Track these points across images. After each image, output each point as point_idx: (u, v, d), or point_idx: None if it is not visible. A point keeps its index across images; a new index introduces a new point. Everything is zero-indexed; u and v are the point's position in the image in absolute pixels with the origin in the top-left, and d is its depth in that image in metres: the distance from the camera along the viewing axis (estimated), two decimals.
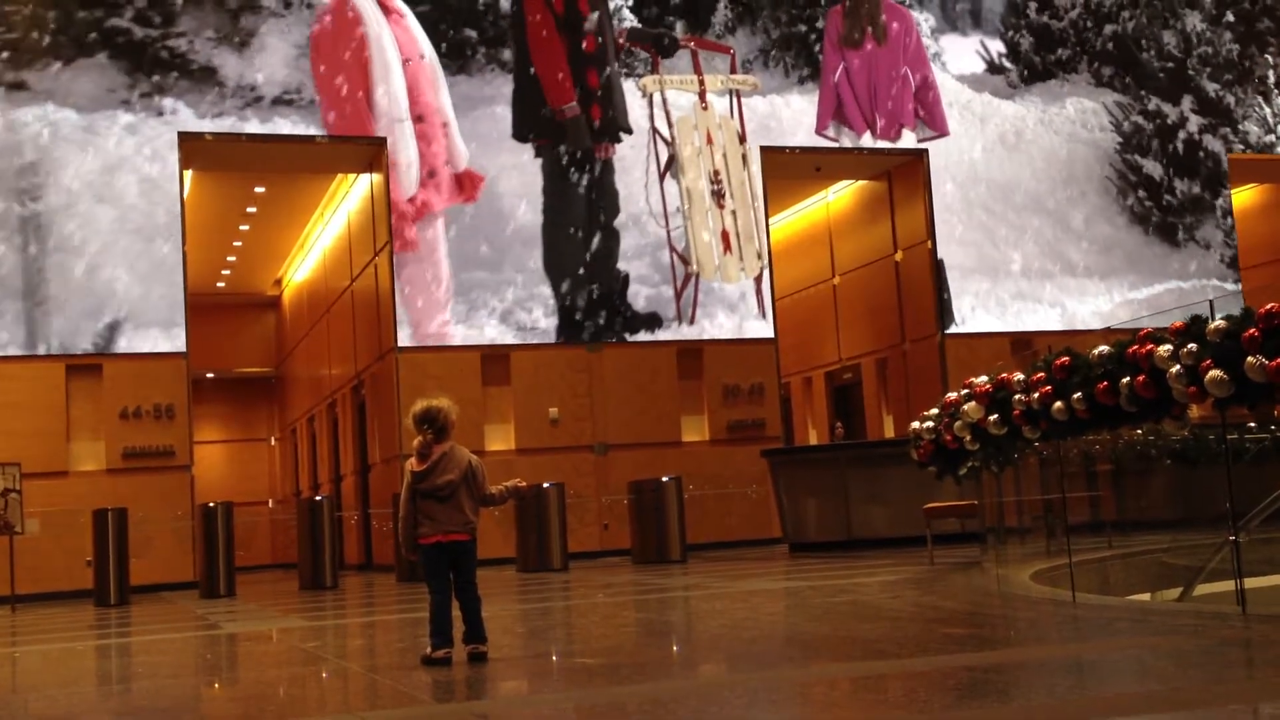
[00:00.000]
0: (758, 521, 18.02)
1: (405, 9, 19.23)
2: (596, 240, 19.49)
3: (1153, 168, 22.34)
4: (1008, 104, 22.10)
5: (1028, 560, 9.71)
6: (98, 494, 15.48)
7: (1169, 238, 22.03)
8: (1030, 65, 22.31)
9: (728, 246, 20.06)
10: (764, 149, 19.55)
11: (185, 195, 17.05)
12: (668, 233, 19.55)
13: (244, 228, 21.81)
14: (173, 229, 16.74)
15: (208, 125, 17.27)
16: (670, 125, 20.05)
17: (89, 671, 7.75)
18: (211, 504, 14.81)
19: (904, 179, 20.56)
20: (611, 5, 20.63)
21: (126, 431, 16.28)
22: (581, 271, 18.97)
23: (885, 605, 7.95)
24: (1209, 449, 10.43)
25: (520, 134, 19.44)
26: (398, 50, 19.02)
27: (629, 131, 19.91)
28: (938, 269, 20.21)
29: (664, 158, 20.11)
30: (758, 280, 19.69)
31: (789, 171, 20.40)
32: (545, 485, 15.23)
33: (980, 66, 22.19)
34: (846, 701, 4.79)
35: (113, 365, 16.22)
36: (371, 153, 17.73)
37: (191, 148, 16.86)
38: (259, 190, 20.03)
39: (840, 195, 22.52)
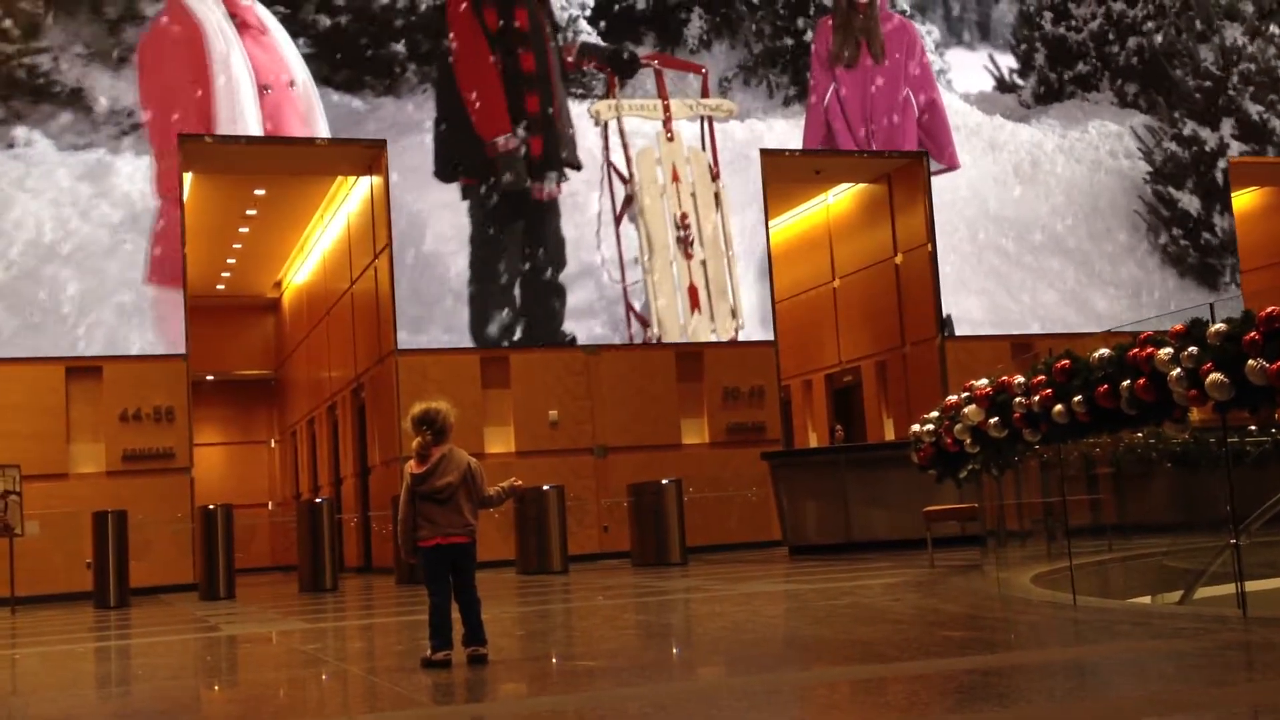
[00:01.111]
0: (757, 524, 18.01)
1: (270, 23, 16.79)
2: (535, 296, 17.15)
3: (1189, 201, 19.97)
4: (1022, 128, 19.84)
5: (1028, 563, 9.70)
6: (97, 496, 15.47)
7: (1208, 281, 20.25)
8: (1045, 82, 20.06)
9: (696, 304, 17.63)
10: (763, 152, 19.05)
11: (185, 197, 17.04)
12: (624, 288, 17.42)
13: (244, 230, 21.81)
14: None
15: (72, 159, 15.90)
16: (629, 159, 17.58)
17: (88, 674, 7.74)
18: (211, 506, 14.80)
19: (904, 182, 20.53)
20: (562, 16, 18.09)
21: (126, 434, 16.27)
22: (519, 335, 17.19)
23: (886, 608, 7.94)
24: (1210, 452, 10.43)
25: (444, 171, 17.10)
26: (252, 74, 16.38)
27: (577, 167, 17.53)
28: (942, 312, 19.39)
29: (620, 198, 17.59)
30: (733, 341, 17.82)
31: (789, 174, 20.27)
32: (545, 488, 15.22)
33: (989, 83, 20.03)
34: (847, 704, 4.78)
35: (113, 367, 16.21)
36: (371, 155, 17.73)
37: (191, 150, 16.86)
38: (259, 193, 20.03)
39: (840, 198, 22.51)
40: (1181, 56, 20.35)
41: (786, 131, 19.03)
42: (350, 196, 19.62)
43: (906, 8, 20.34)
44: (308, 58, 17.35)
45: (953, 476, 9.55)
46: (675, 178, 17.90)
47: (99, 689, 6.90)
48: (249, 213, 20.91)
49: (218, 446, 26.64)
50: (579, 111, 17.82)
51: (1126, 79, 20.31)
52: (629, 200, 17.54)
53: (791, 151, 19.51)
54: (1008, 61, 20.28)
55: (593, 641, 7.47)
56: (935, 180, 19.48)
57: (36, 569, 14.86)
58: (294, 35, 17.28)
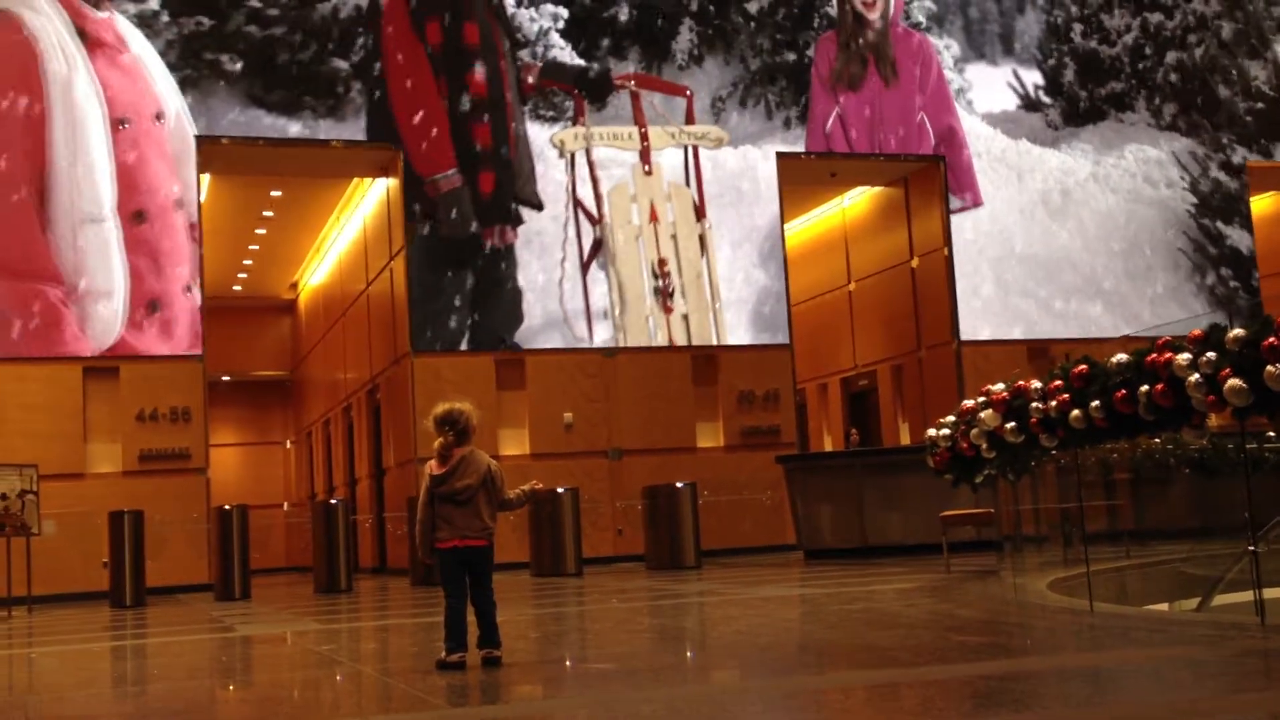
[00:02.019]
0: (772, 528, 17.98)
1: (135, 42, 14.84)
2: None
3: (1239, 237, 18.42)
4: (1050, 154, 18.11)
5: (1045, 569, 9.67)
6: (114, 496, 15.52)
7: None
8: (1075, 101, 18.40)
9: None
10: (779, 155, 18.72)
11: (202, 199, 17.10)
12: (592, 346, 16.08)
13: (260, 231, 21.88)
14: None
15: None
16: (599, 197, 15.86)
17: (105, 673, 7.76)
18: (227, 506, 14.84)
19: (920, 185, 20.45)
20: (531, 29, 16.20)
21: (143, 434, 16.33)
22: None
23: (901, 613, 7.92)
24: (1228, 458, 10.38)
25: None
26: (103, 104, 13.96)
27: (538, 206, 15.95)
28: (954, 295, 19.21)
29: (589, 241, 15.96)
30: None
31: (804, 177, 20.15)
32: (560, 490, 15.22)
33: (1012, 101, 18.49)
34: (861, 710, 4.77)
35: (129, 368, 16.27)
36: (387, 157, 17.75)
37: (208, 151, 16.91)
38: (275, 194, 20.08)
39: (856, 201, 22.46)
40: (1228, 73, 18.63)
41: (787, 161, 17.51)
42: (366, 198, 19.66)
43: (922, 20, 19.08)
44: (238, 75, 16.02)
45: (969, 481, 9.53)
46: (653, 217, 16.11)
47: (115, 688, 6.92)
48: (266, 214, 20.97)
49: (234, 447, 26.72)
50: (541, 141, 16.08)
51: (1165, 98, 18.63)
52: (598, 244, 15.83)
53: (807, 154, 19.45)
54: (1033, 78, 18.82)
55: (606, 644, 7.46)
56: (954, 218, 18.11)
57: (53, 568, 14.92)
58: (221, 49, 16.12)
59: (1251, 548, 6.82)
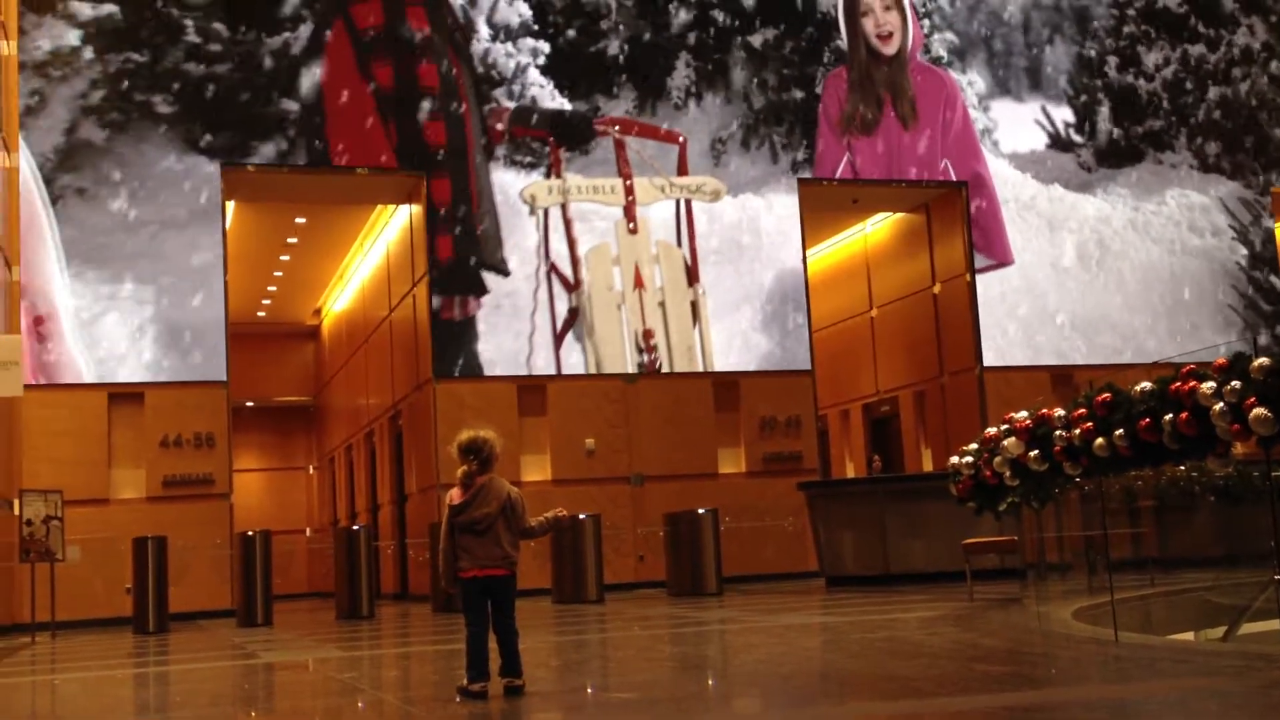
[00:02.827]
0: (794, 555, 17.91)
1: None
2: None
3: None
4: (1085, 200, 16.82)
5: (1069, 597, 9.60)
6: (138, 521, 15.59)
7: None
8: (1109, 140, 17.13)
9: None
10: (801, 181, 18.42)
11: (228, 226, 17.22)
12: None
13: (285, 258, 22.02)
14: None
15: None
16: (575, 259, 14.45)
17: (127, 700, 7.78)
18: (250, 532, 14.89)
19: (942, 211, 20.41)
20: (506, 65, 14.77)
21: (167, 460, 16.41)
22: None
23: (923, 642, 7.87)
24: (1253, 486, 10.31)
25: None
26: None
27: (504, 272, 14.69)
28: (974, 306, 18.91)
29: (563, 311, 14.65)
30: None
31: (826, 204, 20.14)
32: (581, 516, 15.20)
33: (1041, 140, 17.28)
34: None
35: (154, 394, 16.37)
36: (411, 184, 17.85)
37: (234, 179, 17.04)
38: (300, 221, 20.21)
39: (878, 227, 22.45)
40: (1276, 110, 17.21)
41: (791, 208, 16.16)
42: (390, 225, 19.76)
43: (943, 54, 17.97)
44: (170, 117, 14.94)
45: (992, 509, 9.48)
46: (639, 283, 14.54)
47: (137, 716, 6.94)
48: (290, 241, 21.10)
49: (257, 472, 26.81)
50: (514, 192, 14.58)
51: (1207, 136, 17.23)
52: (574, 313, 14.34)
53: (829, 180, 19.42)
54: (1064, 115, 17.54)
55: (627, 673, 7.44)
56: (980, 276, 16.89)
57: (77, 594, 14.99)
58: (152, 89, 15.07)
59: (1278, 576, 6.76)
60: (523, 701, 5.84)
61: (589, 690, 6.73)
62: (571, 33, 15.62)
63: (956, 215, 19.98)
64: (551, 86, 15.16)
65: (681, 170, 15.27)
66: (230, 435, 16.87)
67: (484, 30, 15.62)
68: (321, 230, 20.80)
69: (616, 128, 14.42)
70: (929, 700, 5.44)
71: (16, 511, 13.68)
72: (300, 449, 27.92)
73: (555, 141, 14.48)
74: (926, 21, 18.27)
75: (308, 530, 27.00)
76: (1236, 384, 6.16)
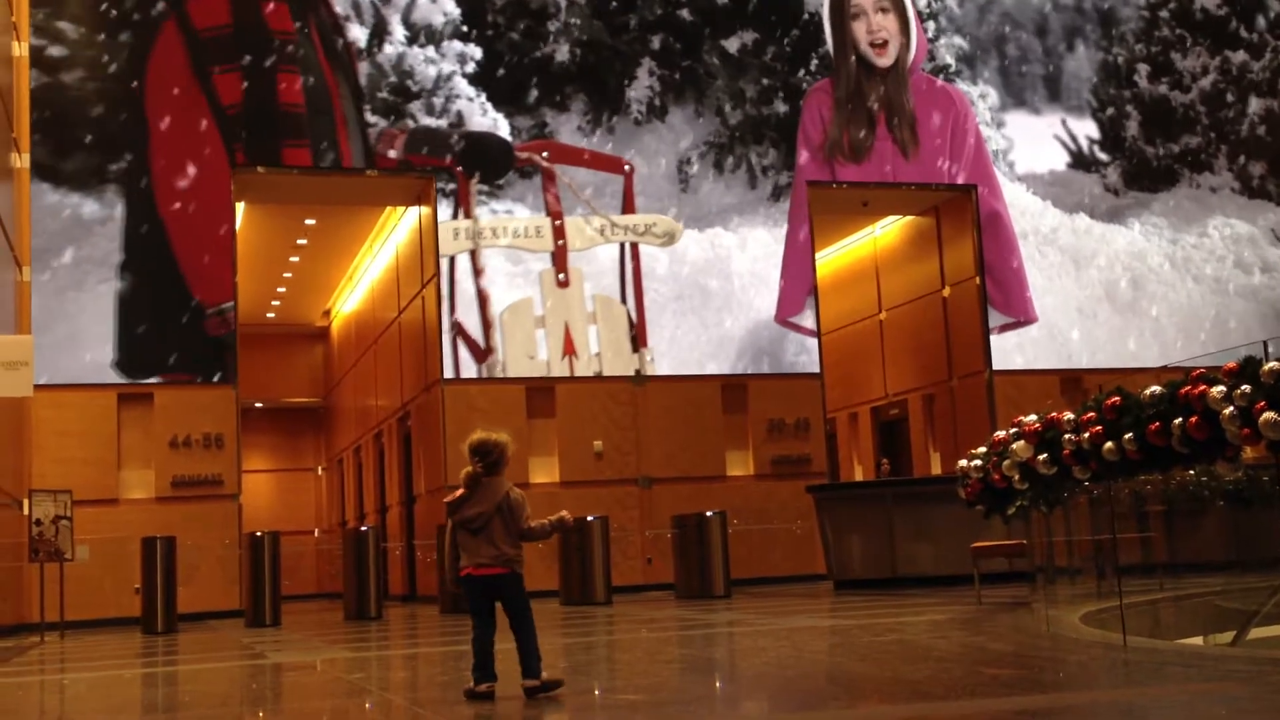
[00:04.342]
0: (802, 558, 17.90)
1: None
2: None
3: None
4: (1115, 232, 14.78)
5: (1077, 601, 9.58)
6: (147, 522, 15.63)
7: None
8: (1140, 159, 15.07)
9: None
10: (810, 184, 17.99)
11: (238, 227, 17.25)
12: None
13: (294, 259, 22.06)
14: None
15: None
16: (487, 321, 12.09)
17: (135, 700, 7.80)
18: (259, 533, 14.92)
19: (952, 214, 20.36)
20: (426, 74, 12.09)
21: (176, 460, 16.44)
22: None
23: (932, 645, 7.86)
24: (1263, 490, 10.28)
25: (131, 362, 11.23)
26: None
27: None
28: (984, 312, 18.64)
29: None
30: None
31: (835, 206, 20.09)
32: (590, 518, 15.21)
33: (1061, 159, 15.33)
34: None
35: (163, 394, 16.40)
36: (420, 185, 17.87)
37: (243, 180, 17.07)
38: (309, 222, 20.24)
39: (887, 230, 22.43)
40: None
41: (770, 246, 13.47)
42: (399, 227, 19.78)
43: (950, 62, 15.80)
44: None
45: (1000, 513, 9.47)
46: (569, 349, 12.30)
47: (145, 716, 6.95)
48: (300, 242, 21.14)
49: (266, 473, 26.86)
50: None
51: (1250, 155, 15.03)
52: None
53: (838, 184, 19.38)
54: (1086, 129, 15.59)
55: (635, 675, 7.44)
56: (994, 336, 14.47)
57: (86, 594, 15.03)
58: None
59: None
60: (529, 703, 5.83)
61: (596, 692, 6.73)
62: (514, 35, 13.47)
63: (966, 218, 19.93)
64: (483, 99, 12.85)
65: (627, 207, 12.44)
66: (239, 436, 16.90)
67: (399, 32, 13.27)
68: (331, 232, 20.83)
69: (545, 153, 11.52)
70: (937, 704, 5.43)
71: (26, 511, 13.72)
72: (309, 450, 27.97)
73: (464, 171, 11.60)
74: (931, 24, 16.20)
75: (316, 531, 27.04)
76: (1246, 388, 6.14)
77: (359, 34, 13.12)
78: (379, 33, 12.98)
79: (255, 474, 25.16)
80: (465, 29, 13.04)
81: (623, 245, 12.39)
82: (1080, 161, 15.70)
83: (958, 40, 16.33)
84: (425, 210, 17.98)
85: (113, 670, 9.66)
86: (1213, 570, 11.71)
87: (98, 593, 15.42)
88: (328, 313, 26.14)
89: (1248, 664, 6.37)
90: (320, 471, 27.85)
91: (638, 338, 12.24)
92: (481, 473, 6.11)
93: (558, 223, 12.05)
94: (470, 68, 12.88)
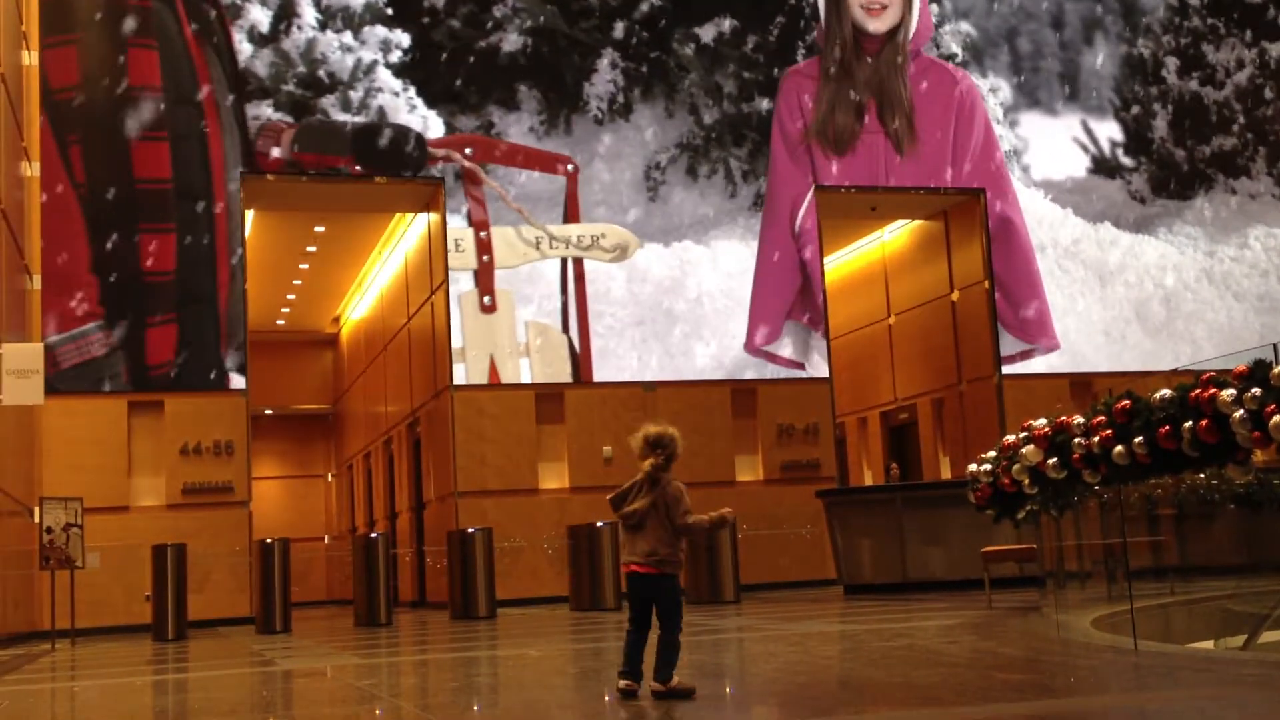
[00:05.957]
0: (812, 562, 17.88)
1: None
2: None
3: None
4: (1144, 243, 13.38)
5: (1088, 605, 9.55)
6: (157, 529, 15.68)
7: None
8: (1169, 164, 13.67)
9: None
10: (817, 189, 18.28)
11: (247, 234, 17.28)
12: None
13: (304, 266, 22.11)
14: None
15: None
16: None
17: (146, 707, 7.81)
18: (269, 540, 14.94)
19: (961, 218, 20.34)
20: (342, 63, 10.54)
21: (186, 467, 16.48)
22: None
23: (942, 650, 7.85)
24: (1275, 494, 10.25)
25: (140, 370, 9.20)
26: None
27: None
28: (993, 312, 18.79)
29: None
30: None
31: (844, 211, 20.09)
32: (598, 524, 15.21)
33: (1081, 163, 14.07)
34: None
35: (174, 402, 16.44)
36: (429, 192, 17.90)
37: (253, 187, 17.11)
38: (319, 229, 20.28)
39: (896, 235, 22.41)
40: None
41: (745, 258, 12.03)
42: (408, 233, 19.82)
43: (957, 51, 14.50)
44: None
45: (1010, 517, 9.46)
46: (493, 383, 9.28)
47: None
48: (309, 249, 21.19)
49: (276, 480, 26.91)
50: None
51: None
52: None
53: (846, 188, 19.37)
54: (1109, 130, 14.29)
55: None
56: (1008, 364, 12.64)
57: (97, 601, 15.07)
58: None
59: None
60: (533, 708, 5.83)
61: (606, 697, 6.72)
62: (453, 22, 11.99)
63: (975, 222, 19.90)
64: (411, 94, 11.23)
65: (570, 216, 10.59)
66: (249, 443, 16.93)
67: (309, 14, 11.78)
68: (341, 239, 20.87)
69: (468, 149, 9.42)
70: (948, 709, 5.42)
71: (37, 519, 13.76)
72: (319, 456, 28.01)
73: (365, 172, 9.56)
74: (935, 8, 14.72)
75: (326, 538, 27.07)
76: (1257, 391, 6.13)
77: (260, 16, 11.38)
78: (285, 15, 11.33)
79: (265, 481, 25.22)
80: (390, 12, 11.46)
81: (564, 261, 10.58)
82: (1102, 166, 14.50)
83: (965, 26, 14.88)
84: (434, 217, 18.00)
85: (124, 677, 9.67)
86: (1224, 574, 11.67)
87: (108, 600, 15.46)
88: (337, 319, 26.19)
89: (1259, 668, 6.35)
90: (330, 478, 27.88)
91: (580, 370, 9.80)
92: (662, 465, 5.97)
93: (482, 234, 10.05)
94: (395, 56, 11.25)
